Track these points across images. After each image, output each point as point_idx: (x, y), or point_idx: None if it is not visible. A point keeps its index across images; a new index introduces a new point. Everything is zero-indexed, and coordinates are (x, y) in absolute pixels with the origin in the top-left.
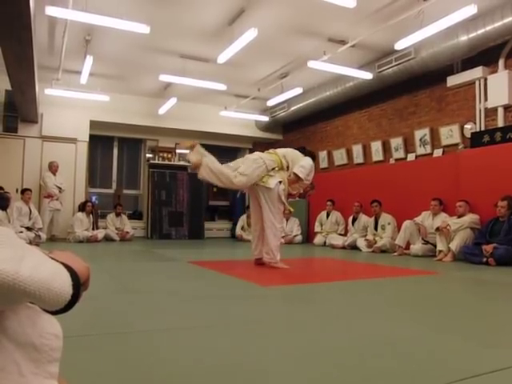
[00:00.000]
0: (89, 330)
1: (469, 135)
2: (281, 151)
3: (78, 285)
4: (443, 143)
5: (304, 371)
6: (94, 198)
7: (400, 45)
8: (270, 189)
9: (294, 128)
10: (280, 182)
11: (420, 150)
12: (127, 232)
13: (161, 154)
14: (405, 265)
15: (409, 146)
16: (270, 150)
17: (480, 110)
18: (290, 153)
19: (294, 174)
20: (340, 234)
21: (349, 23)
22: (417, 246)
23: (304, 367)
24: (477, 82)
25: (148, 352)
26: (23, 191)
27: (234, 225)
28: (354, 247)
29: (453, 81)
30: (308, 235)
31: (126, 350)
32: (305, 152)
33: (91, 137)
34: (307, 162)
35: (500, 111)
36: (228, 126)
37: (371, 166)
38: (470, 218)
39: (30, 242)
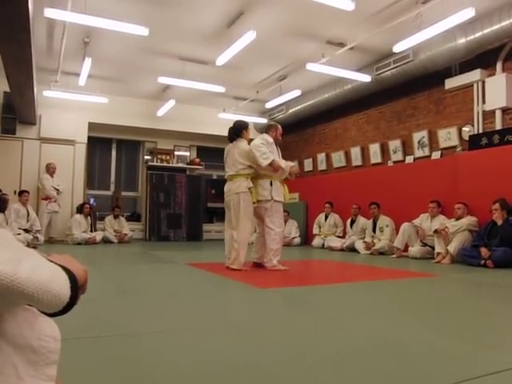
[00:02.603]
0: (87, 333)
1: (467, 138)
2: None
3: (76, 287)
4: (441, 145)
5: (303, 374)
6: (92, 200)
7: (398, 47)
8: (268, 200)
9: (293, 130)
10: (271, 183)
11: (418, 153)
12: (125, 234)
13: (159, 156)
14: (403, 267)
15: (407, 149)
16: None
17: (478, 113)
18: (242, 155)
19: (268, 166)
20: (338, 237)
21: (347, 26)
22: (415, 249)
23: (303, 370)
24: (475, 85)
25: (146, 354)
26: (21, 193)
27: None
28: (352, 249)
29: (451, 83)
30: (306, 237)
31: (124, 352)
32: (237, 132)
33: (89, 139)
34: (254, 148)
35: (498, 114)
36: (226, 128)
37: (369, 169)
38: (468, 220)
39: (28, 244)
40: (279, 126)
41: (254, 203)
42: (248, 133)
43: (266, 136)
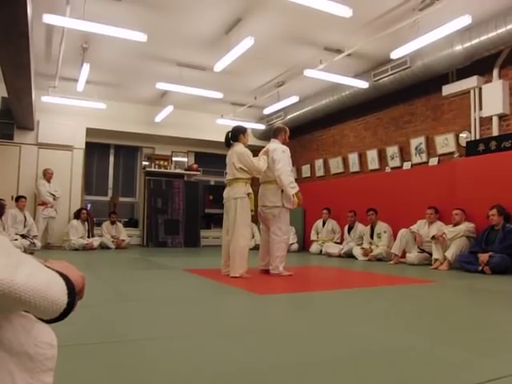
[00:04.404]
0: (84, 339)
1: (464, 144)
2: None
3: (74, 293)
4: (439, 152)
5: (301, 381)
6: (89, 206)
7: (396, 54)
8: (277, 207)
9: (291, 136)
10: (281, 190)
11: (416, 159)
12: (123, 240)
13: (157, 162)
14: (401, 273)
15: (404, 155)
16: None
17: (475, 119)
18: (239, 160)
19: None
20: (336, 243)
21: (345, 32)
22: (413, 255)
23: (301, 377)
24: (472, 92)
25: (145, 361)
26: (18, 198)
27: None
28: (350, 255)
29: (448, 90)
30: (304, 243)
31: (122, 359)
32: (234, 136)
33: (87, 144)
34: (284, 174)
35: (495, 120)
36: (224, 134)
37: (367, 175)
38: (466, 226)
39: (25, 250)
40: (287, 129)
41: (252, 210)
42: (246, 137)
43: (283, 147)
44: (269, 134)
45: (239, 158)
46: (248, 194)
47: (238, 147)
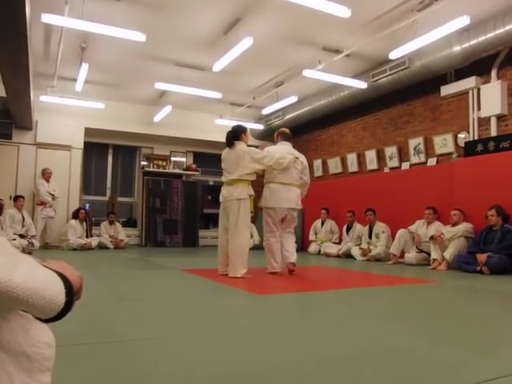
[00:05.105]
0: (81, 339)
1: (462, 144)
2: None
3: (71, 293)
4: (437, 152)
5: (301, 381)
6: (87, 206)
7: (394, 54)
8: (299, 209)
9: None
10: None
11: (414, 159)
12: (121, 240)
13: (155, 162)
14: (399, 273)
15: (403, 155)
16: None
17: (473, 120)
18: (255, 158)
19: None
20: (334, 243)
21: (344, 33)
22: (411, 255)
23: (300, 378)
24: (470, 92)
25: (141, 361)
26: (16, 198)
27: None
28: (348, 256)
29: (446, 90)
30: (302, 243)
31: (120, 359)
32: (235, 136)
33: (86, 144)
34: (259, 157)
35: (493, 121)
36: (223, 134)
37: (366, 175)
38: (464, 226)
39: (23, 250)
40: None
41: (251, 212)
42: (247, 136)
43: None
44: (267, 134)
45: (252, 157)
46: (250, 196)
47: (243, 146)
